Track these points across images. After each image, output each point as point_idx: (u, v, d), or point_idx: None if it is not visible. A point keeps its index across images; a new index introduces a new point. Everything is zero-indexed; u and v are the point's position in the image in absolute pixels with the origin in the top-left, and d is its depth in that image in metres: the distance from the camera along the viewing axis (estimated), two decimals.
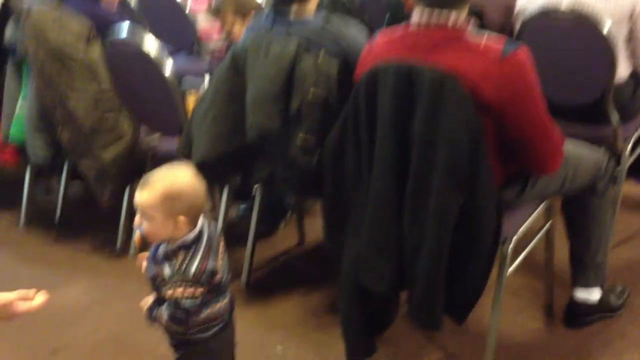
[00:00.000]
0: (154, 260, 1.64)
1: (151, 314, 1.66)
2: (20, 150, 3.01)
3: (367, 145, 1.85)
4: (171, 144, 2.67)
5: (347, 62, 2.00)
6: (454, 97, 1.67)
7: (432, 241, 1.77)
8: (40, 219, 3.23)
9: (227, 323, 1.75)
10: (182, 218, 1.58)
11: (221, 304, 1.70)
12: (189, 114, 2.33)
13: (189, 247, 1.61)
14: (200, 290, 1.59)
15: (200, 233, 1.64)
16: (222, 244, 1.71)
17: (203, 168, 2.08)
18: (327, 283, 2.64)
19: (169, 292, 1.59)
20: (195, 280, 1.58)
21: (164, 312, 1.62)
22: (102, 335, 2.35)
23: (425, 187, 1.76)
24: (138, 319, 2.46)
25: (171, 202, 1.57)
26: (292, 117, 2.00)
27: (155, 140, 2.75)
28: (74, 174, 3.27)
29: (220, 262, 1.66)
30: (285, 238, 3.00)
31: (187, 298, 1.58)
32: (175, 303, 1.59)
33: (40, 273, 2.77)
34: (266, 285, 2.66)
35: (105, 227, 3.07)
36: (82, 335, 2.35)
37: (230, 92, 2.09)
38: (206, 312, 1.66)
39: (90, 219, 3.22)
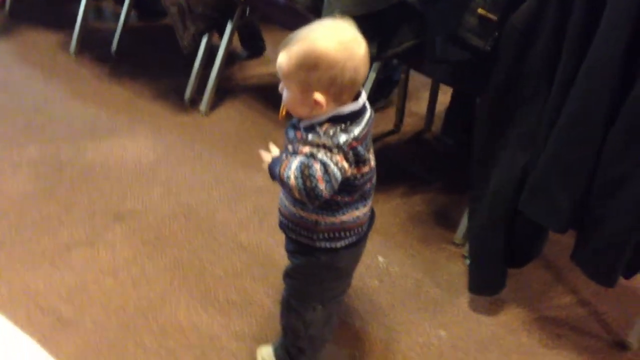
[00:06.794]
0: (294, 125, 1.25)
1: (274, 169, 1.24)
2: None
3: (577, 33, 1.39)
4: None
5: None
6: None
7: None
8: (94, 49, 2.78)
9: (361, 237, 1.37)
10: (318, 95, 1.16)
11: (360, 212, 1.32)
12: None
13: (342, 120, 1.19)
14: (346, 164, 1.18)
15: (363, 109, 1.22)
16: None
17: None
18: (430, 185, 2.25)
19: (306, 148, 1.17)
20: (342, 151, 1.17)
21: (293, 163, 1.18)
22: (172, 206, 1.97)
23: None
24: (215, 195, 2.09)
25: (306, 73, 1.17)
26: None
27: None
28: (137, 2, 2.82)
29: (371, 155, 1.26)
30: (377, 120, 2.57)
31: (330, 160, 1.16)
32: (312, 158, 1.17)
33: (95, 114, 2.36)
34: None
35: (173, 72, 2.63)
36: (149, 201, 1.97)
37: None
38: (342, 217, 1.29)
39: (152, 59, 2.78)
